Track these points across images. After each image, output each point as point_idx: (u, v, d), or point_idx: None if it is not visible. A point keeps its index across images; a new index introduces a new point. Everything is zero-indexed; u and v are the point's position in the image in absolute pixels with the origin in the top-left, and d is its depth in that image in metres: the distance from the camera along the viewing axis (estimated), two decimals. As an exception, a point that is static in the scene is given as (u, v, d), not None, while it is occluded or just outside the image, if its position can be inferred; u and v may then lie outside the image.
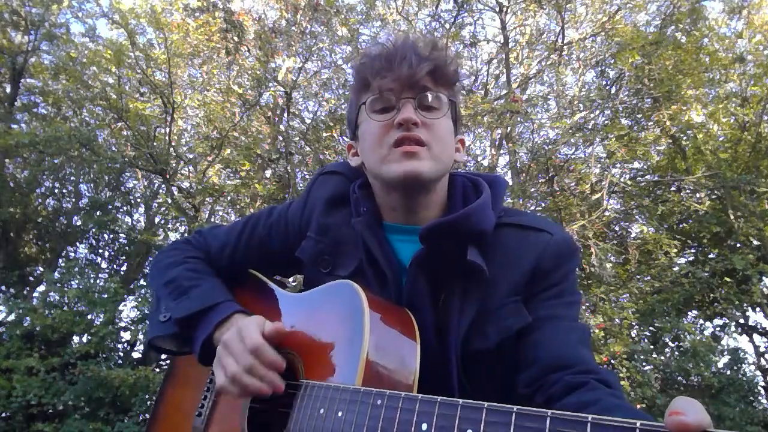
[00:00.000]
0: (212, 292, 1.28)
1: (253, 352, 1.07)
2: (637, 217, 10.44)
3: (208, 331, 1.20)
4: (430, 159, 1.14)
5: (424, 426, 0.76)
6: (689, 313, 10.80)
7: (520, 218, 1.21)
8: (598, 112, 9.26)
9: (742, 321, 10.21)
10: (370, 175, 1.25)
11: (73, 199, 12.28)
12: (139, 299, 9.59)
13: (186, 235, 10.67)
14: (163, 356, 10.34)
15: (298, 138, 9.82)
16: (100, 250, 12.44)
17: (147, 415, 7.74)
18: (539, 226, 1.19)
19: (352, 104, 1.28)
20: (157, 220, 12.58)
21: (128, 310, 10.64)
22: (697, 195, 9.99)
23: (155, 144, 9.46)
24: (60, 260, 11.81)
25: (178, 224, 12.11)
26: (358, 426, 0.86)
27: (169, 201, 9.92)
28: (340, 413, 0.90)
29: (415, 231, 1.17)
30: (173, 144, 9.80)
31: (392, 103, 1.16)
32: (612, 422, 0.59)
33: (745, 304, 9.52)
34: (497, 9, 9.93)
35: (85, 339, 9.15)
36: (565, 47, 9.58)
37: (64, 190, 12.31)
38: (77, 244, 12.26)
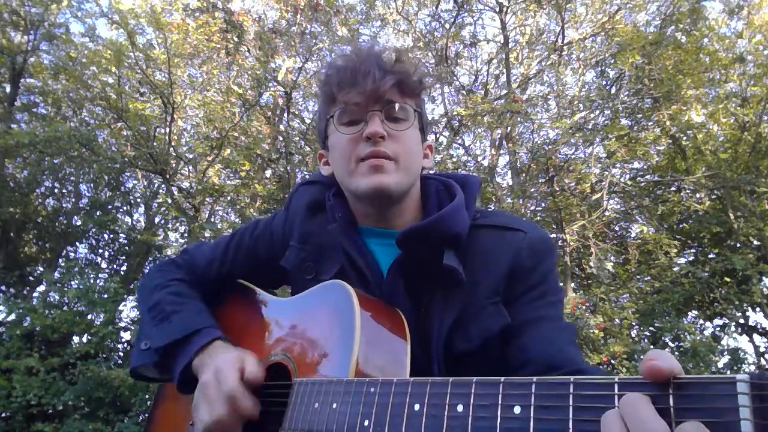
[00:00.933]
0: (192, 318, 1.27)
1: (229, 399, 1.06)
2: (637, 217, 10.44)
3: (186, 361, 1.19)
4: (397, 172, 1.15)
5: (417, 407, 0.77)
6: (689, 313, 10.80)
7: (495, 219, 1.22)
8: (598, 112, 9.28)
9: (742, 321, 10.20)
10: (341, 185, 1.26)
11: (73, 199, 12.29)
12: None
13: (186, 235, 10.69)
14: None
15: (298, 138, 9.84)
16: (100, 250, 12.47)
17: (147, 416, 7.74)
18: (514, 225, 1.19)
19: (321, 115, 1.29)
20: (157, 220, 12.59)
21: (128, 310, 10.66)
22: (697, 195, 9.99)
23: (155, 144, 9.47)
24: (60, 260, 11.82)
25: (178, 224, 12.13)
26: (353, 414, 0.86)
27: (169, 201, 9.93)
28: (334, 405, 0.91)
29: (391, 235, 1.18)
30: (173, 144, 9.81)
31: (359, 115, 1.17)
32: (592, 380, 0.62)
33: (745, 304, 9.52)
34: (497, 9, 9.95)
35: (85, 339, 9.16)
36: (565, 47, 9.60)
37: (64, 190, 12.32)
38: (77, 244, 12.28)
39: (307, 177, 1.44)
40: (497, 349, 1.11)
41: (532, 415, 0.64)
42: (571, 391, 0.62)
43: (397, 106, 1.17)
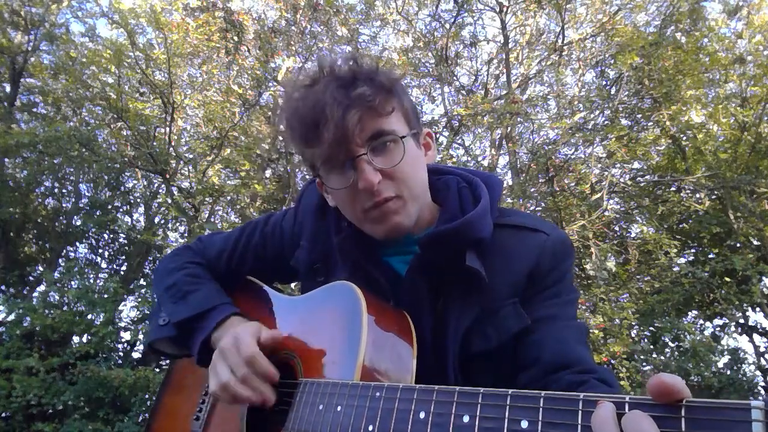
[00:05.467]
0: (210, 295, 1.30)
1: (248, 361, 1.08)
2: (637, 217, 10.43)
3: (205, 334, 1.22)
4: (406, 207, 1.12)
5: (422, 414, 0.77)
6: (689, 313, 10.79)
7: (516, 218, 1.20)
8: (597, 112, 9.26)
9: (742, 321, 10.19)
10: None
11: (73, 199, 12.26)
12: (139, 299, 9.58)
13: (186, 235, 10.69)
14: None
15: (298, 138, 9.79)
16: (100, 250, 12.43)
17: (147, 416, 7.74)
18: (535, 226, 1.18)
19: (304, 155, 1.19)
20: (157, 220, 12.56)
21: (128, 310, 10.64)
22: (697, 195, 9.98)
23: (155, 144, 9.45)
24: (60, 260, 11.79)
25: (178, 224, 12.10)
26: (357, 418, 0.87)
27: (169, 201, 9.91)
28: (339, 407, 0.91)
29: (406, 240, 1.18)
30: (173, 144, 9.79)
31: (343, 162, 1.08)
32: (602, 397, 0.61)
33: (745, 304, 9.50)
34: (497, 9, 9.94)
35: (85, 339, 9.14)
36: (565, 47, 9.59)
37: (64, 190, 12.29)
38: (77, 244, 12.24)
39: None
40: (512, 349, 1.10)
41: (539, 430, 0.64)
42: (581, 408, 0.61)
43: (377, 136, 1.08)
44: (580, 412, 0.61)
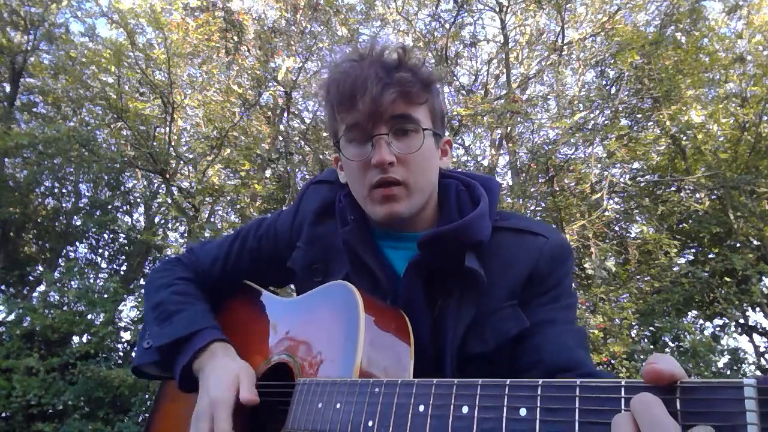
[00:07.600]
0: (194, 318, 1.28)
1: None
2: (637, 217, 10.43)
3: (185, 361, 1.21)
4: (409, 197, 1.14)
5: (422, 407, 0.77)
6: (689, 313, 10.79)
7: (515, 222, 1.21)
8: (598, 112, 9.26)
9: (742, 321, 10.19)
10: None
11: (73, 199, 12.26)
12: (139, 299, 9.59)
13: (186, 235, 10.69)
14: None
15: (298, 138, 9.85)
16: (100, 250, 12.43)
17: (147, 415, 7.73)
18: (534, 229, 1.19)
19: (330, 123, 1.25)
20: (157, 220, 12.56)
21: (128, 310, 10.65)
22: (697, 195, 9.98)
23: (155, 144, 9.45)
24: (60, 260, 11.80)
25: (178, 224, 12.11)
26: (357, 414, 0.86)
27: (169, 201, 9.92)
28: (338, 405, 0.91)
29: (407, 238, 1.19)
30: (173, 144, 9.79)
31: (365, 136, 1.13)
32: (599, 383, 0.62)
33: (745, 304, 9.51)
34: (497, 9, 9.95)
35: (85, 339, 9.14)
36: (565, 47, 9.59)
37: (64, 190, 12.29)
38: (77, 244, 12.24)
39: (319, 175, 1.42)
40: (510, 351, 1.11)
41: (538, 417, 0.64)
42: (578, 393, 0.62)
43: (403, 119, 1.13)
44: (577, 398, 0.62)
